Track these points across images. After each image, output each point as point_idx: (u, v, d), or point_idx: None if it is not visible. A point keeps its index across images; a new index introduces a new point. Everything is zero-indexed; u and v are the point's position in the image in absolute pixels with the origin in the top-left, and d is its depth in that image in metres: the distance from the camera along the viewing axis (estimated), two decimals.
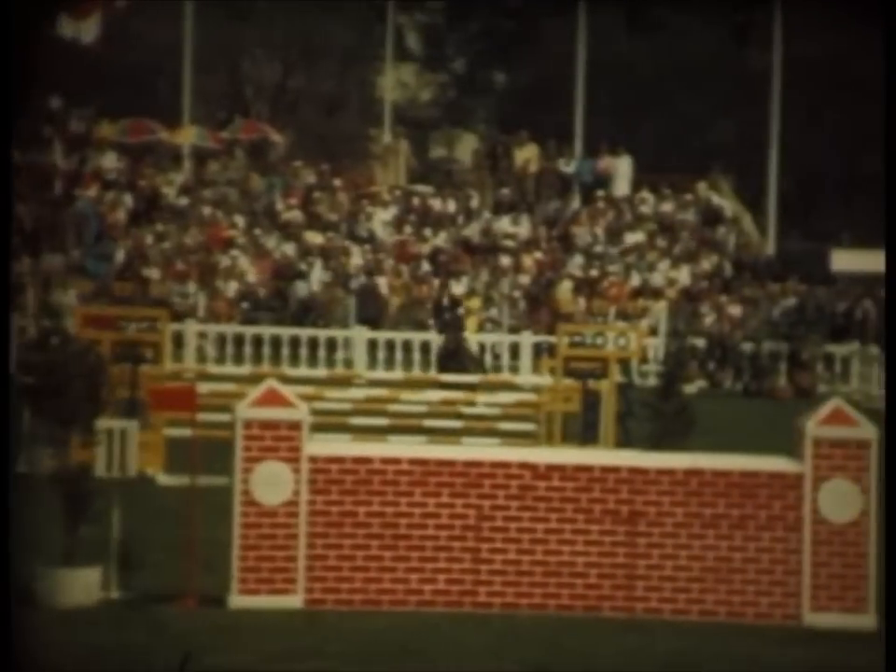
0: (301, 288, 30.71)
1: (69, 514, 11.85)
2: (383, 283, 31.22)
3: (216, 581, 11.97)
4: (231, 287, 30.70)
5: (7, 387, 8.63)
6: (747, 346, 30.25)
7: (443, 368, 23.53)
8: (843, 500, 12.25)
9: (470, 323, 30.84)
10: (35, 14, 35.37)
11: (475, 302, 31.27)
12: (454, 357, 23.64)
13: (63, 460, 12.85)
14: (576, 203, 34.80)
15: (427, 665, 10.48)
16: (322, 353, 28.35)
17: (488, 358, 28.88)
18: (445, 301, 26.18)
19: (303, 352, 28.24)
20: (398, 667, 10.39)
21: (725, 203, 35.20)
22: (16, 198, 32.20)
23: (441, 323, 25.28)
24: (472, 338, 25.26)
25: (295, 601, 12.00)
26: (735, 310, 31.53)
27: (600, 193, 34.56)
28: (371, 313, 30.03)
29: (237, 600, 11.96)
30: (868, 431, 12.32)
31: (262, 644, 10.92)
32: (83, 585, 11.82)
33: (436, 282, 31.78)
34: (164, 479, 18.31)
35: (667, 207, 34.74)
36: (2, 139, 8.88)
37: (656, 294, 32.10)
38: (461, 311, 25.63)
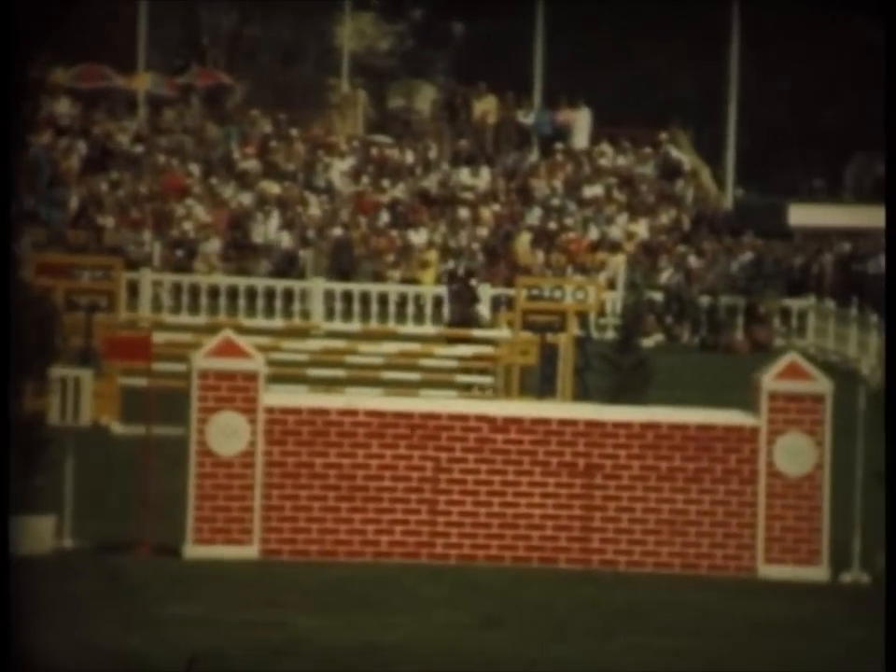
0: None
1: (23, 463, 11.76)
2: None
3: (171, 531, 11.92)
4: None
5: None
6: (704, 300, 30.34)
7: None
8: (798, 454, 12.30)
9: (427, 275, 30.79)
10: None
11: (432, 255, 31.20)
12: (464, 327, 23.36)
13: (17, 409, 12.74)
14: (534, 155, 34.73)
15: (384, 615, 10.48)
16: (279, 303, 28.25)
17: (445, 312, 28.87)
18: (460, 271, 25.46)
19: (260, 302, 28.13)
20: (354, 618, 10.39)
21: (684, 156, 35.21)
22: None
23: (453, 294, 24.33)
24: (483, 310, 24.83)
25: (251, 551, 11.96)
26: (694, 264, 31.59)
27: (559, 146, 34.49)
28: (345, 266, 29.94)
29: (192, 550, 11.91)
30: (823, 385, 12.36)
31: (217, 594, 10.89)
32: (37, 533, 11.75)
33: (394, 233, 31.69)
34: (119, 428, 18.22)
35: (626, 161, 34.71)
36: (1, 136, 8.76)
37: (614, 248, 32.12)
38: (474, 282, 24.59)
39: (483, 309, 24.01)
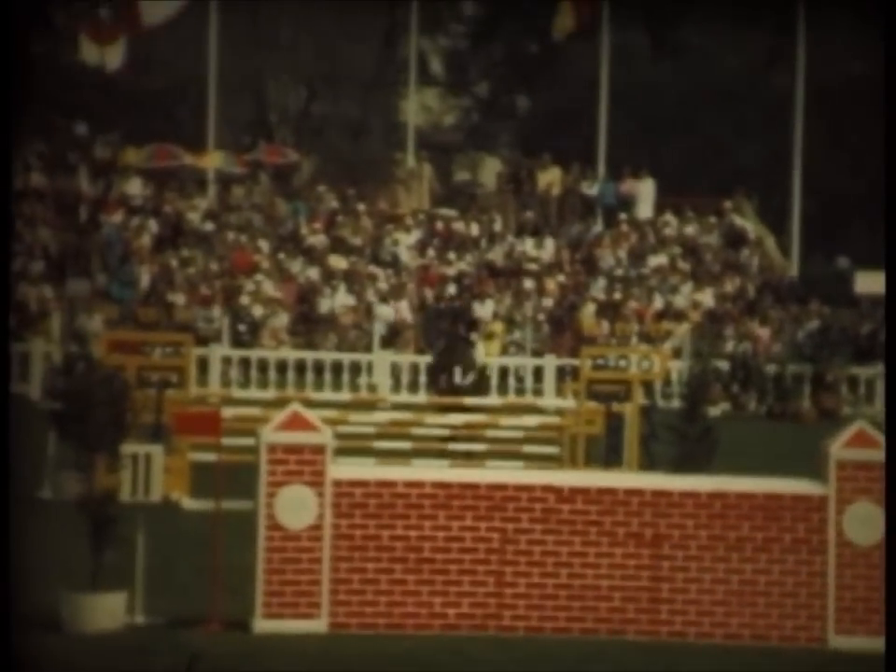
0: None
1: (94, 539, 11.89)
2: (405, 307, 31.26)
3: (240, 605, 11.99)
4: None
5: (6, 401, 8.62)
6: (771, 369, 30.20)
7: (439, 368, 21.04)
8: (867, 523, 12.22)
9: (493, 346, 30.86)
10: (58, 40, 35.57)
11: (498, 326, 31.30)
12: (453, 358, 21.60)
13: (89, 485, 12.91)
14: (599, 225, 34.81)
15: None
16: (346, 377, 28.39)
17: (511, 381, 28.89)
18: (451, 311, 23.43)
19: (327, 376, 28.29)
20: None
21: (749, 225, 35.17)
22: (42, 224, 32.36)
23: (444, 335, 22.74)
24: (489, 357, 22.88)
25: (319, 625, 12.01)
26: (759, 332, 31.49)
27: (623, 216, 34.57)
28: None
29: (262, 624, 11.97)
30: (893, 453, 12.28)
31: (287, 668, 10.93)
32: (108, 610, 11.85)
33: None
34: (189, 503, 18.34)
35: (691, 230, 34.73)
36: (1, 145, 8.91)
37: (679, 316, 32.07)
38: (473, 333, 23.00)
39: (477, 345, 22.75)
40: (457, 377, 20.59)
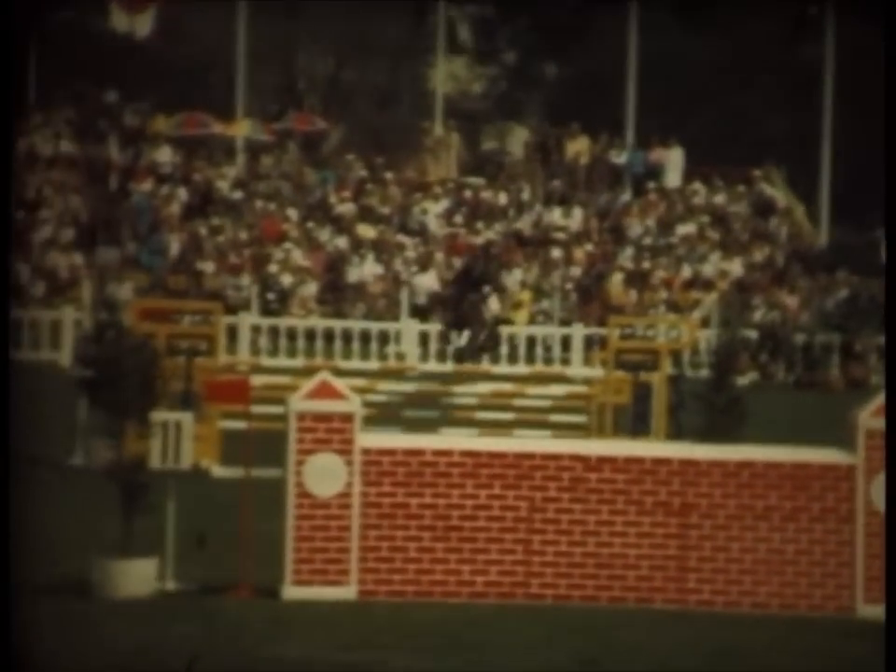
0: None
1: (125, 506, 11.98)
2: (433, 276, 31.27)
3: (270, 572, 12.07)
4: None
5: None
6: (799, 338, 30.14)
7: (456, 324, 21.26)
8: None
9: (521, 315, 30.87)
10: (88, 8, 35.60)
11: (526, 295, 31.30)
12: (471, 315, 21.12)
13: (119, 452, 12.98)
14: (627, 194, 34.73)
15: (479, 656, 10.54)
16: (374, 346, 28.44)
17: (539, 351, 28.91)
18: (476, 269, 22.46)
19: (356, 345, 28.35)
20: (450, 658, 10.45)
21: (778, 194, 35.05)
22: (72, 191, 32.47)
23: (469, 279, 22.16)
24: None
25: (348, 592, 12.08)
26: (788, 301, 31.41)
27: (652, 185, 34.48)
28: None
29: (291, 591, 12.06)
30: None
31: (315, 635, 11.01)
32: (139, 576, 11.94)
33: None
34: (219, 471, 18.44)
35: (719, 199, 34.63)
36: (3, 134, 8.92)
37: (708, 286, 32.01)
38: (488, 288, 22.29)
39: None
40: (464, 338, 20.35)
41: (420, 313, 29.59)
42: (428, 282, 30.90)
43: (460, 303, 19.93)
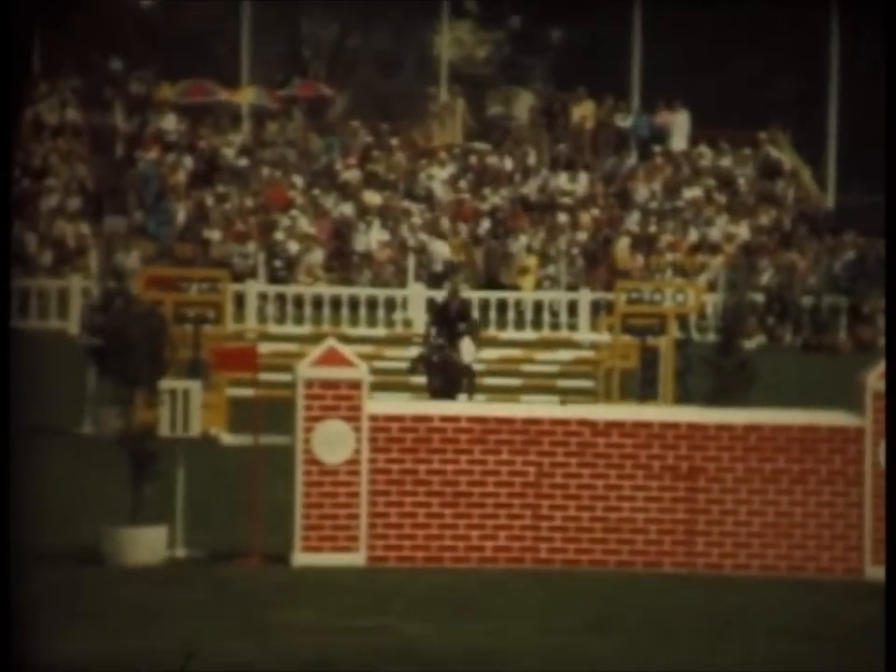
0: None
1: (134, 474, 12.02)
2: (441, 243, 31.26)
3: (279, 539, 12.11)
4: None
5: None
6: (806, 301, 30.12)
7: (432, 376, 18.46)
8: None
9: (527, 281, 30.87)
10: None
11: (532, 260, 31.29)
12: (446, 367, 18.52)
13: (128, 420, 13.02)
14: (633, 158, 34.67)
15: (489, 621, 10.58)
16: (381, 312, 28.46)
17: (546, 316, 28.90)
18: (453, 307, 19.41)
19: (362, 312, 28.37)
20: (459, 623, 10.50)
21: (784, 156, 34.97)
22: (78, 160, 32.45)
23: (444, 324, 18.97)
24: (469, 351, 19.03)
25: (357, 558, 12.12)
26: (795, 264, 31.38)
27: (657, 149, 34.41)
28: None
29: (300, 558, 12.10)
30: None
31: (325, 601, 11.06)
32: (149, 544, 11.99)
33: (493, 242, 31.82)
34: (227, 438, 18.49)
35: (725, 162, 34.55)
36: (3, 124, 8.92)
37: (714, 249, 31.98)
38: (464, 326, 19.09)
39: (468, 350, 18.82)
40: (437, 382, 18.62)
41: (436, 280, 29.59)
42: (443, 249, 30.92)
43: (436, 350, 18.33)
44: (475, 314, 23.94)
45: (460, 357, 18.81)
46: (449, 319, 19.07)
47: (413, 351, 19.91)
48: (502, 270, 31.14)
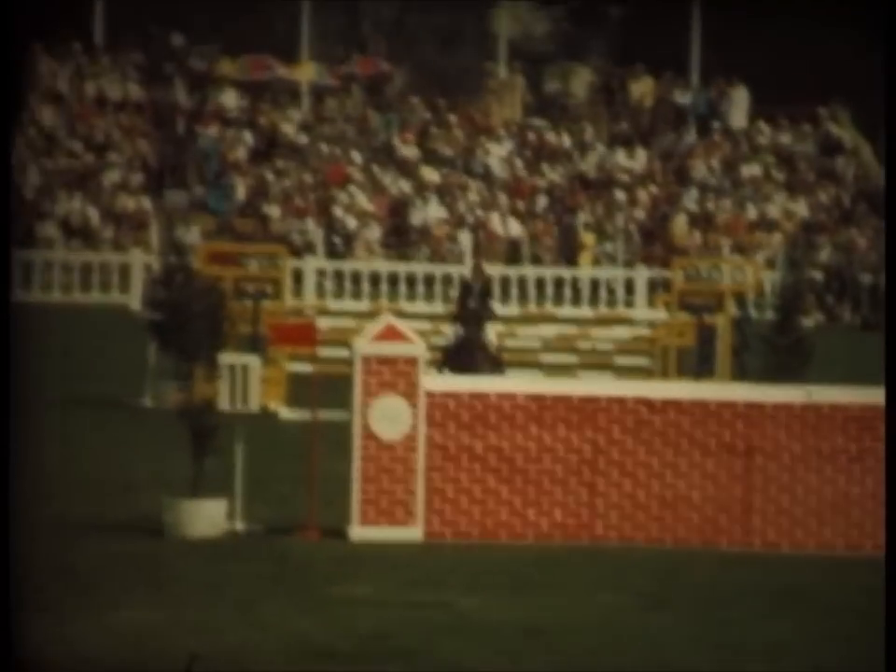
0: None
1: (194, 447, 12.14)
2: (497, 218, 31.27)
3: (337, 513, 12.20)
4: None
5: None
6: (866, 279, 29.93)
7: (453, 363, 18.06)
8: None
9: (585, 258, 30.83)
10: None
11: (590, 237, 31.24)
12: (467, 353, 18.27)
13: (188, 394, 13.15)
14: (692, 135, 34.51)
15: (545, 597, 10.64)
16: (438, 288, 28.51)
17: (603, 293, 28.87)
18: (477, 284, 19.41)
19: (420, 288, 28.43)
20: (515, 599, 10.56)
21: (844, 133, 34.71)
22: (139, 135, 32.65)
23: (466, 309, 18.80)
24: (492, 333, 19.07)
25: (414, 533, 12.20)
26: (855, 242, 31.18)
27: (716, 125, 34.24)
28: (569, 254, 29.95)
29: (358, 532, 12.19)
30: None
31: (383, 575, 11.14)
32: (209, 517, 12.11)
33: (551, 217, 31.79)
34: (286, 413, 18.60)
35: (785, 139, 34.34)
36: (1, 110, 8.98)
37: (772, 227, 31.83)
38: (491, 301, 19.21)
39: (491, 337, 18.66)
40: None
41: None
42: (514, 227, 30.96)
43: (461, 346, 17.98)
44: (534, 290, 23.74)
45: (487, 343, 18.59)
46: (472, 300, 18.84)
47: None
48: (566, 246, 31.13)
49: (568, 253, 30.66)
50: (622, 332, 21.72)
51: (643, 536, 12.27)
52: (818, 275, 29.79)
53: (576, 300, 28.42)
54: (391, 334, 12.29)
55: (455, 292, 28.54)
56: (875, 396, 12.48)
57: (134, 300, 27.18)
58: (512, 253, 30.40)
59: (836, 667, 9.14)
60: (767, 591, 11.07)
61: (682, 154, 33.91)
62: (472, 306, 18.59)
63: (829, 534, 12.29)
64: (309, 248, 29.93)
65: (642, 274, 29.16)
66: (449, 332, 18.45)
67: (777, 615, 10.34)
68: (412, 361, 12.26)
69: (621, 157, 33.52)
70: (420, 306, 26.44)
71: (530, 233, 31.40)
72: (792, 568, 11.74)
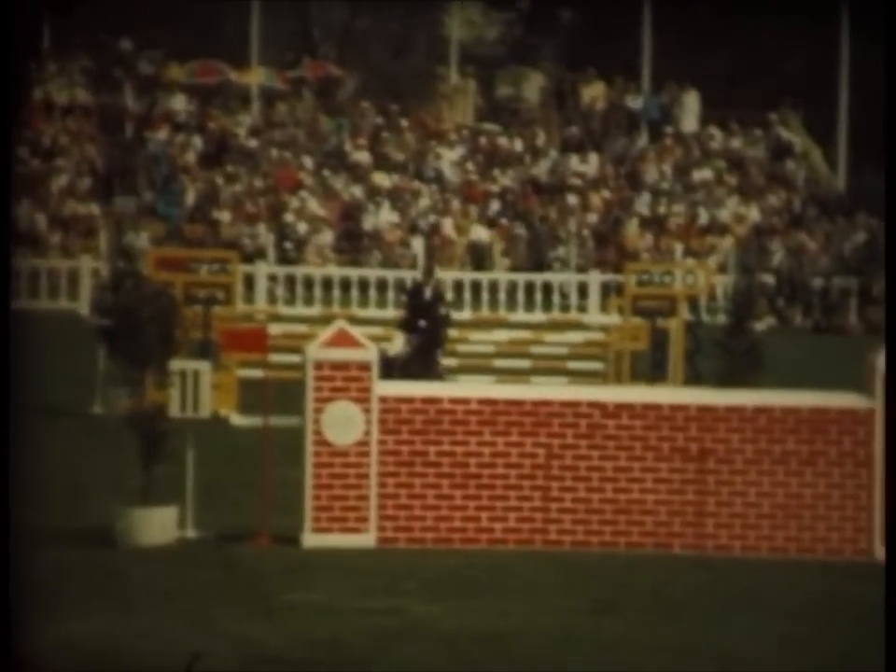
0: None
1: (145, 455, 12.04)
2: (449, 223, 31.26)
3: (289, 520, 12.13)
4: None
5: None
6: (817, 283, 30.09)
7: (403, 374, 17.26)
8: None
9: None
10: None
11: None
12: (419, 364, 17.57)
13: (138, 401, 13.03)
14: (643, 139, 34.62)
15: (499, 602, 10.61)
16: (391, 294, 28.46)
17: (556, 298, 28.89)
18: (427, 291, 18.43)
19: (372, 293, 28.37)
20: (469, 604, 10.52)
21: (795, 137, 34.89)
22: (88, 140, 32.45)
23: (416, 315, 17.83)
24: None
25: (367, 540, 12.14)
26: (806, 246, 31.33)
27: (668, 130, 34.36)
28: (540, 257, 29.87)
29: (310, 539, 12.12)
30: None
31: (335, 582, 11.08)
32: (160, 524, 12.01)
33: (503, 222, 31.80)
34: (237, 419, 18.51)
35: (736, 143, 34.49)
36: (2, 118, 8.91)
37: (724, 231, 31.95)
38: (444, 310, 18.19)
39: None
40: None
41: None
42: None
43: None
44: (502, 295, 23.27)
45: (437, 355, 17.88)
46: (424, 305, 18.31)
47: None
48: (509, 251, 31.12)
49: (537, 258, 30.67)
50: (575, 337, 21.72)
51: (597, 540, 12.26)
52: (769, 279, 29.92)
53: (529, 304, 28.43)
54: (343, 340, 12.24)
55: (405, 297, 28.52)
56: (826, 399, 12.51)
57: (83, 306, 27.00)
58: (478, 258, 30.39)
59: (789, 670, 9.14)
60: (720, 594, 11.07)
61: (634, 158, 34.01)
62: (423, 314, 18.10)
63: (781, 537, 12.31)
64: (260, 254, 29.82)
65: (595, 279, 29.20)
66: (398, 341, 18.03)
67: (729, 619, 10.34)
68: (364, 366, 12.20)
69: (573, 161, 33.58)
70: (373, 311, 26.38)
71: (497, 237, 31.35)
72: (745, 572, 11.75)
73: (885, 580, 9.59)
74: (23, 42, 33.16)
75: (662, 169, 33.54)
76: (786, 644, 9.74)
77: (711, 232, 31.94)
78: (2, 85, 8.99)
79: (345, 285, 28.53)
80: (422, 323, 17.50)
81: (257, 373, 15.24)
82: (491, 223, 31.61)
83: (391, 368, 16.76)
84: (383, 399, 12.23)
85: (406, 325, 17.97)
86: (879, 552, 12.24)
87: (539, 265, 30.12)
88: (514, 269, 30.00)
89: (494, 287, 28.63)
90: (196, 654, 7.36)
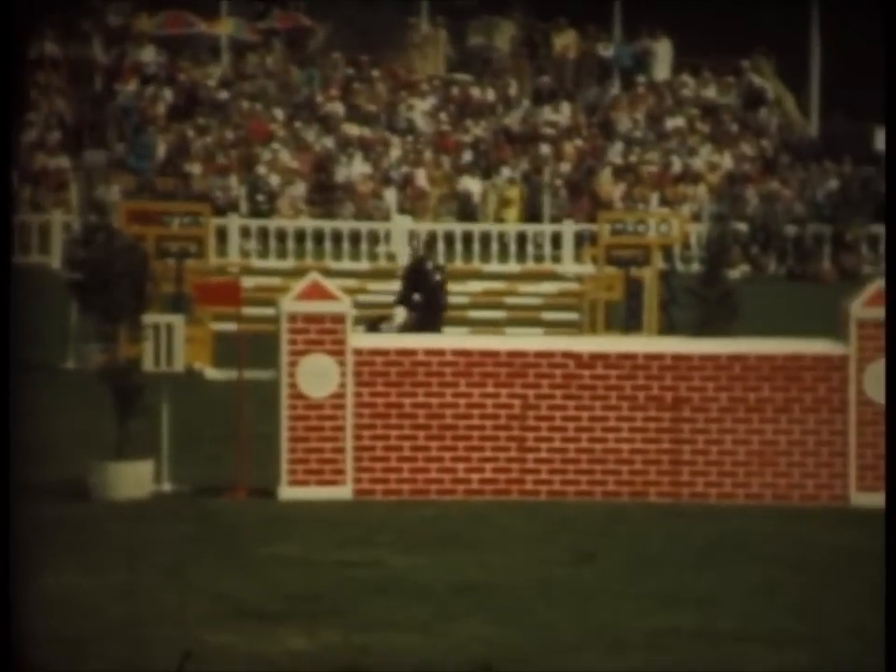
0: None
1: (119, 409, 12.00)
2: (422, 174, 31.16)
3: (265, 473, 12.12)
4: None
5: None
6: (790, 230, 30.12)
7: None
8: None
9: (511, 213, 30.78)
10: None
11: (515, 192, 31.19)
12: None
13: (112, 355, 12.97)
14: (616, 88, 34.52)
15: (476, 553, 10.61)
16: (364, 246, 28.38)
17: (530, 248, 28.85)
18: (429, 263, 17.76)
19: (345, 245, 28.29)
20: (446, 556, 10.53)
21: (767, 85, 34.85)
22: (57, 93, 32.22)
23: (413, 291, 17.19)
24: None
25: (344, 492, 12.14)
26: (779, 193, 31.34)
27: (640, 78, 34.27)
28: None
29: (286, 492, 12.11)
30: None
31: (312, 534, 11.07)
32: (135, 478, 11.99)
33: (477, 172, 31.70)
34: (212, 373, 18.47)
35: (709, 91, 34.42)
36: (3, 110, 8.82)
37: (698, 179, 31.92)
38: (440, 277, 17.58)
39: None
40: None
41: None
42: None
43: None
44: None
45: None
46: (426, 283, 17.16)
47: (398, 284, 19.27)
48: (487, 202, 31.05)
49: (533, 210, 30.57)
50: (549, 287, 21.70)
51: (573, 490, 12.27)
52: (743, 227, 29.94)
53: (503, 255, 28.40)
54: (317, 292, 12.19)
55: (381, 248, 28.46)
56: (800, 346, 12.52)
57: (55, 260, 26.87)
58: (465, 208, 30.32)
59: (765, 616, 9.18)
60: (696, 542, 11.10)
61: (607, 107, 33.93)
62: (422, 290, 17.16)
63: (757, 484, 12.34)
64: (232, 206, 29.69)
65: (569, 229, 29.16)
66: (398, 317, 17.16)
67: (706, 566, 10.37)
68: (339, 318, 12.16)
69: (545, 111, 33.50)
70: (346, 264, 26.31)
71: (454, 189, 31.28)
72: (722, 519, 11.79)
73: (884, 529, 9.58)
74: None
75: (634, 117, 33.48)
76: (762, 590, 9.78)
77: (684, 181, 31.92)
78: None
79: (318, 237, 28.45)
80: (417, 297, 17.21)
81: (230, 327, 15.19)
82: (486, 174, 31.50)
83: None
84: (357, 352, 12.20)
85: (404, 300, 17.43)
86: (855, 497, 12.29)
87: (536, 217, 30.05)
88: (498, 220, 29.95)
89: (468, 238, 28.57)
90: (187, 653, 7.33)
